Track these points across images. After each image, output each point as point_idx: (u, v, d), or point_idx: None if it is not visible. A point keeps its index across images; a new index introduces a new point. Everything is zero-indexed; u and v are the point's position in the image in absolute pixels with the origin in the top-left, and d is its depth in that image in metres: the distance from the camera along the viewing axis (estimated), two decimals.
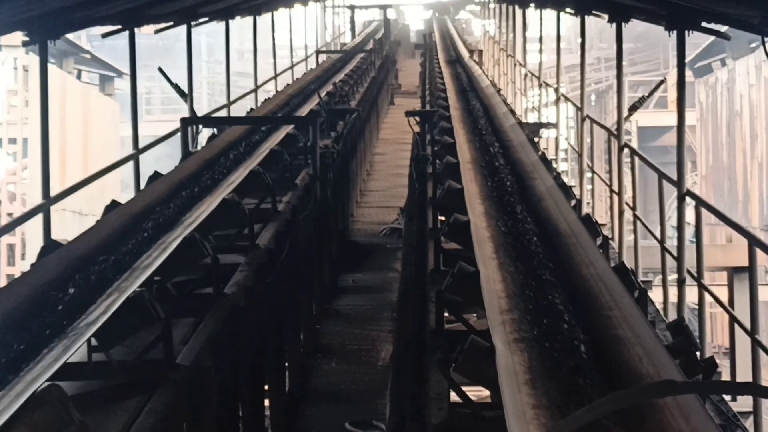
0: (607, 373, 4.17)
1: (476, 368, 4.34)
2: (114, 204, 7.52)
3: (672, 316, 9.27)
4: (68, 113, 25.75)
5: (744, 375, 9.05)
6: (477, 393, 6.19)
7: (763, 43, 7.33)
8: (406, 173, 15.61)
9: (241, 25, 29.53)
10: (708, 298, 8.52)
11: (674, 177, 9.15)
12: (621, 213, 11.22)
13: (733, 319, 8.07)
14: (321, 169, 11.07)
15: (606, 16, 11.21)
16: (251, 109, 15.74)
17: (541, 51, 19.40)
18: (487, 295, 5.00)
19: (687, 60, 9.32)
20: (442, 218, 7.80)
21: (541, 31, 19.12)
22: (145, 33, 14.00)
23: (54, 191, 9.24)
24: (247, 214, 7.71)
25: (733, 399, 8.05)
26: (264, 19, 20.72)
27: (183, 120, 11.35)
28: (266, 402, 7.83)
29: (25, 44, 9.37)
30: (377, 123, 23.97)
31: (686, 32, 8.74)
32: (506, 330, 4.60)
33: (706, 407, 3.61)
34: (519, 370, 4.14)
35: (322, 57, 27.70)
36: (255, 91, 18.92)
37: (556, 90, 16.13)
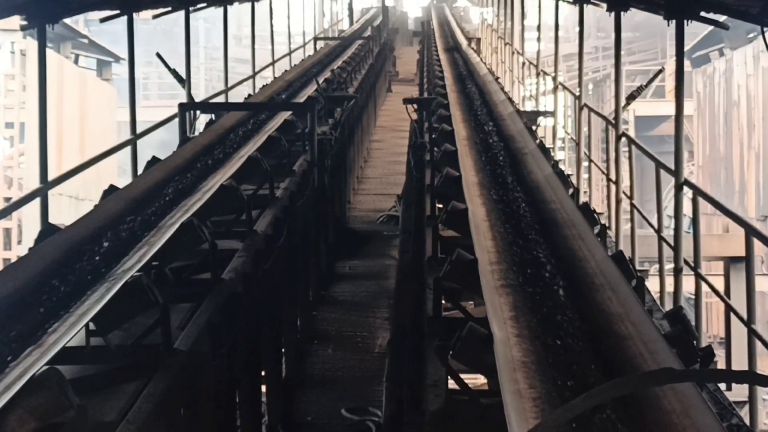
0: (581, 312, 4.81)
1: (474, 355, 4.35)
2: (112, 189, 7.52)
3: (668, 305, 9.28)
4: (65, 98, 25.74)
5: (739, 364, 9.07)
6: (473, 380, 6.20)
7: (763, 32, 7.34)
8: (403, 160, 15.61)
9: (238, 11, 29.47)
10: (703, 288, 8.53)
11: (671, 166, 9.15)
12: (618, 202, 11.22)
13: (729, 309, 8.08)
14: (319, 155, 11.08)
15: (605, 5, 11.20)
16: (249, 95, 15.73)
17: (539, 39, 19.39)
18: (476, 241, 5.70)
19: (685, 50, 9.31)
20: (440, 206, 7.80)
21: (539, 19, 19.11)
22: (142, 18, 13.98)
23: (51, 176, 9.23)
24: (245, 200, 7.71)
25: (728, 388, 8.06)
26: (262, 5, 20.70)
27: (181, 105, 11.34)
28: (262, 388, 7.84)
29: (23, 28, 9.35)
30: (375, 110, 23.96)
31: (685, 22, 8.73)
32: (494, 278, 5.24)
33: (703, 396, 3.62)
34: (504, 308, 4.76)
35: (320, 44, 27.66)
36: (253, 77, 18.90)
37: (554, 78, 16.12)
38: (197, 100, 15.21)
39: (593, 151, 13.67)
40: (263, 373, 7.81)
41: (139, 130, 11.73)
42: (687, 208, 10.18)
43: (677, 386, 3.51)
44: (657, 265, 9.98)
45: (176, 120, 11.43)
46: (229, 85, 16.74)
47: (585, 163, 13.62)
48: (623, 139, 11.30)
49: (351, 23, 40.78)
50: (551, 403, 3.88)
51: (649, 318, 4.49)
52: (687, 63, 33.81)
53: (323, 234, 12.26)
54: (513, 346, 4.24)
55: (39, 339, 4.73)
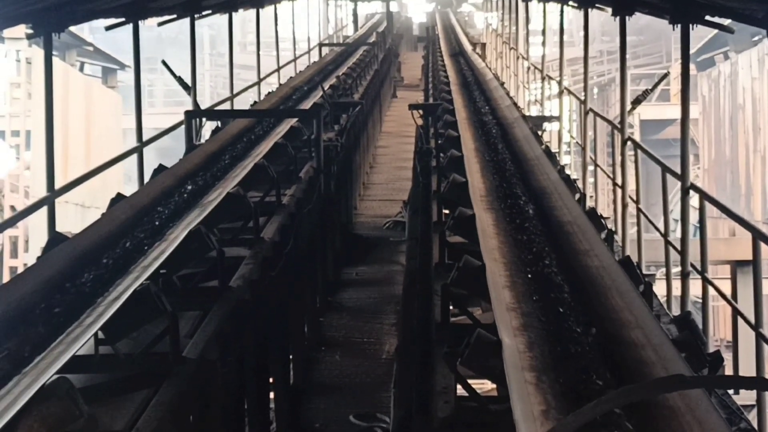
0: (545, 223, 6.63)
1: (483, 362, 4.35)
2: (119, 197, 7.53)
3: (675, 309, 9.27)
4: (71, 105, 25.77)
5: (747, 368, 9.06)
6: (481, 386, 6.19)
7: None
8: (408, 166, 15.61)
9: (243, 17, 29.45)
10: (710, 291, 8.51)
11: (677, 170, 9.15)
12: (624, 206, 11.21)
13: (736, 313, 8.07)
14: (325, 162, 11.08)
15: (609, 10, 11.19)
16: (255, 102, 15.75)
17: (544, 44, 19.38)
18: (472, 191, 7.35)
19: (690, 53, 9.31)
20: (446, 211, 7.81)
21: (544, 23, 19.11)
22: (147, 25, 14.00)
23: (57, 183, 9.23)
24: (252, 207, 7.72)
25: (736, 392, 8.06)
26: (267, 12, 20.71)
27: (187, 113, 11.35)
28: (271, 394, 7.85)
29: (29, 37, 9.36)
30: (380, 116, 23.97)
31: (690, 26, 8.72)
32: (483, 204, 7.03)
33: (712, 400, 3.62)
34: (488, 223, 6.49)
35: (325, 50, 27.68)
36: (258, 83, 18.92)
37: (559, 83, 16.12)
38: (203, 106, 15.21)
39: (599, 155, 13.67)
40: (271, 380, 7.82)
41: (144, 137, 11.74)
42: (693, 211, 10.18)
43: (687, 392, 3.50)
44: (664, 270, 9.97)
45: (181, 127, 11.44)
46: (235, 91, 16.75)
47: (591, 168, 13.61)
48: (629, 143, 11.30)
49: (356, 29, 40.79)
50: (517, 266, 5.47)
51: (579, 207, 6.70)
52: (692, 66, 33.82)
53: (330, 240, 12.26)
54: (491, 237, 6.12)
55: (48, 348, 4.73)
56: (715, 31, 9.08)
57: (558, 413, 3.58)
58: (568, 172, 11.38)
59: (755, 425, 7.27)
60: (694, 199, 9.11)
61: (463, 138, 10.08)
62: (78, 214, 23.74)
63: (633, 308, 4.76)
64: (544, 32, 19.12)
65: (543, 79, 18.33)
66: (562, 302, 4.94)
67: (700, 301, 8.77)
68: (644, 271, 10.25)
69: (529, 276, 5.39)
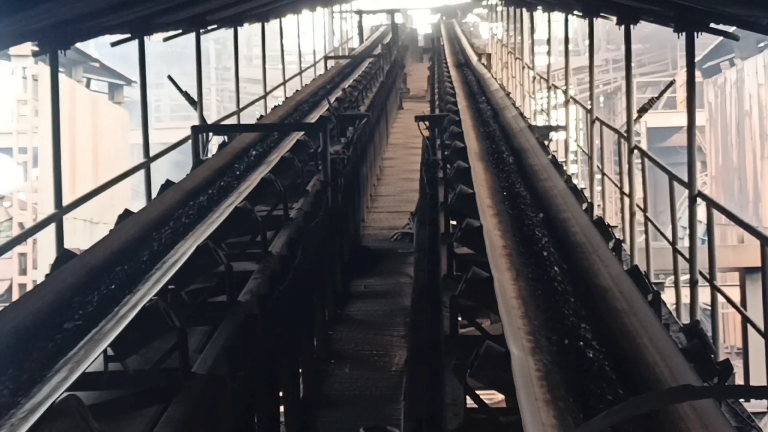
0: (541, 207, 7.42)
1: (493, 373, 4.35)
2: (127, 213, 7.54)
3: (684, 317, 9.26)
4: (78, 122, 25.79)
5: (757, 375, 9.06)
6: (490, 397, 6.19)
7: None
8: (415, 178, 15.62)
9: (249, 31, 29.53)
10: (720, 298, 8.51)
11: (685, 178, 9.14)
12: (632, 215, 11.20)
13: (746, 320, 8.06)
14: (332, 174, 11.09)
15: (614, 19, 11.20)
16: (261, 116, 15.76)
17: (549, 53, 19.40)
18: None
19: (695, 60, 9.30)
20: (454, 223, 7.81)
21: (549, 33, 19.12)
22: (153, 40, 14.03)
23: (65, 200, 9.24)
24: (259, 221, 7.73)
25: (747, 400, 8.04)
26: (272, 26, 20.74)
27: (194, 128, 11.36)
28: (281, 408, 7.85)
29: (35, 54, 9.39)
30: (387, 128, 23.98)
31: (695, 33, 8.73)
32: (487, 191, 8.00)
33: (722, 409, 3.62)
34: (487, 202, 7.50)
35: (331, 62, 27.69)
36: (264, 97, 18.94)
37: (565, 92, 16.12)
38: (209, 120, 15.23)
39: (606, 163, 13.66)
40: (281, 394, 7.82)
41: (152, 152, 11.75)
42: (701, 218, 10.17)
43: (697, 401, 3.50)
44: (672, 278, 9.96)
45: (189, 142, 11.46)
46: (241, 106, 16.76)
47: (598, 176, 13.60)
48: (636, 151, 11.29)
49: (361, 41, 40.82)
50: (507, 213, 6.74)
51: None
52: (698, 74, 33.79)
53: (338, 253, 12.27)
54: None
55: (58, 365, 4.74)
56: (721, 38, 9.01)
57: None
58: (575, 181, 11.38)
59: None
60: (701, 207, 9.11)
61: (470, 150, 10.08)
62: (86, 230, 23.76)
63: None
64: (549, 42, 19.13)
65: (549, 88, 18.33)
66: None
67: (710, 308, 8.76)
68: (653, 280, 10.24)
69: None
